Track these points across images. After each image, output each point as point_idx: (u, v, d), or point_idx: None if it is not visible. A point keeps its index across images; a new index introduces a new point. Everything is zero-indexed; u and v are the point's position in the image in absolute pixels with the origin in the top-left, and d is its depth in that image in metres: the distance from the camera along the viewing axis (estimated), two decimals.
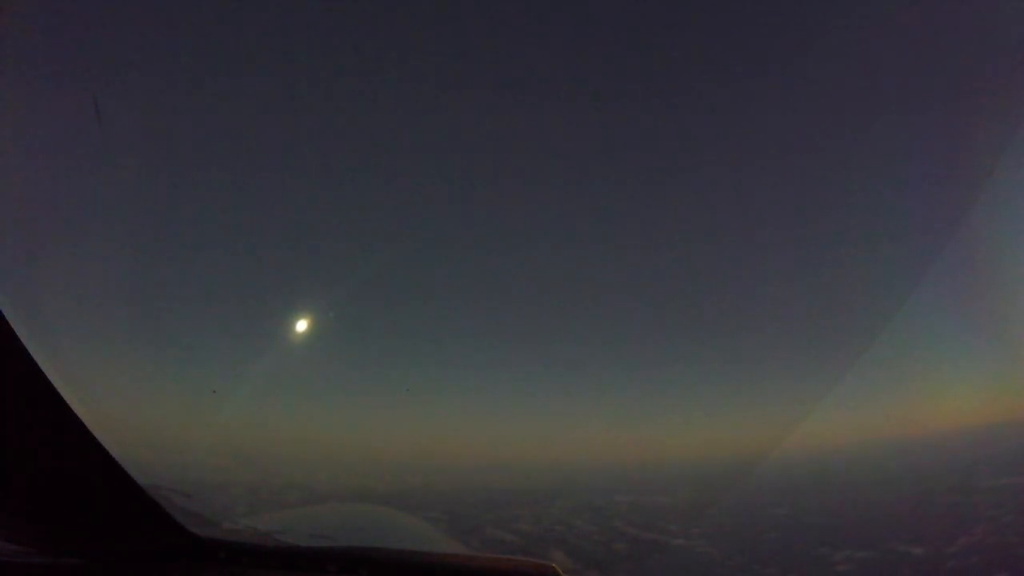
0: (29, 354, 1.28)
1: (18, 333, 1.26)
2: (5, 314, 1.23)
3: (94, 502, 1.63)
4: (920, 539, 14.80)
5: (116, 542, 1.77)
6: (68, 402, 1.37)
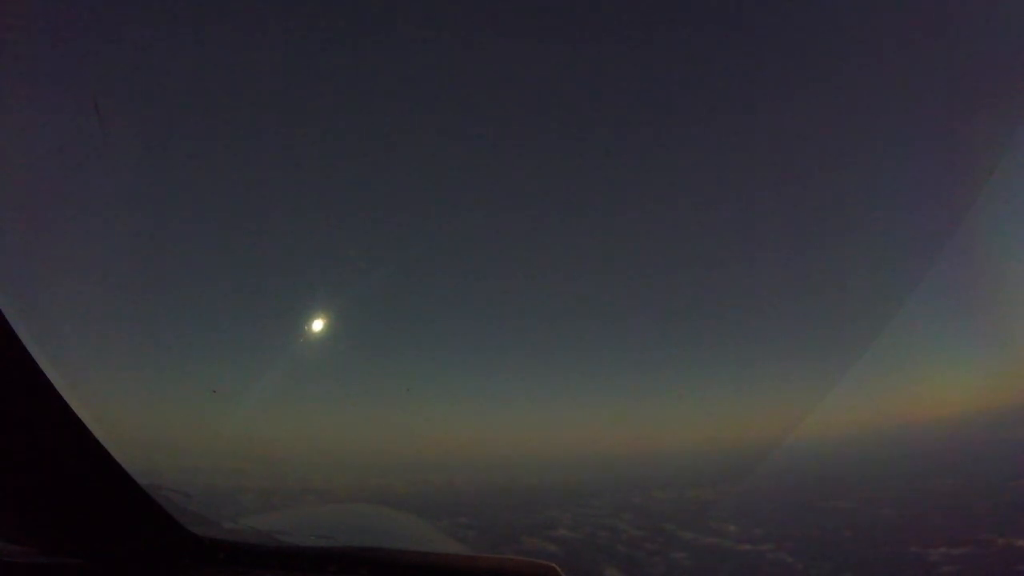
0: (29, 354, 1.28)
1: (18, 333, 1.25)
2: (5, 314, 1.22)
3: (94, 502, 1.63)
4: (1017, 530, 13.06)
5: (116, 542, 1.77)
6: (68, 402, 1.37)
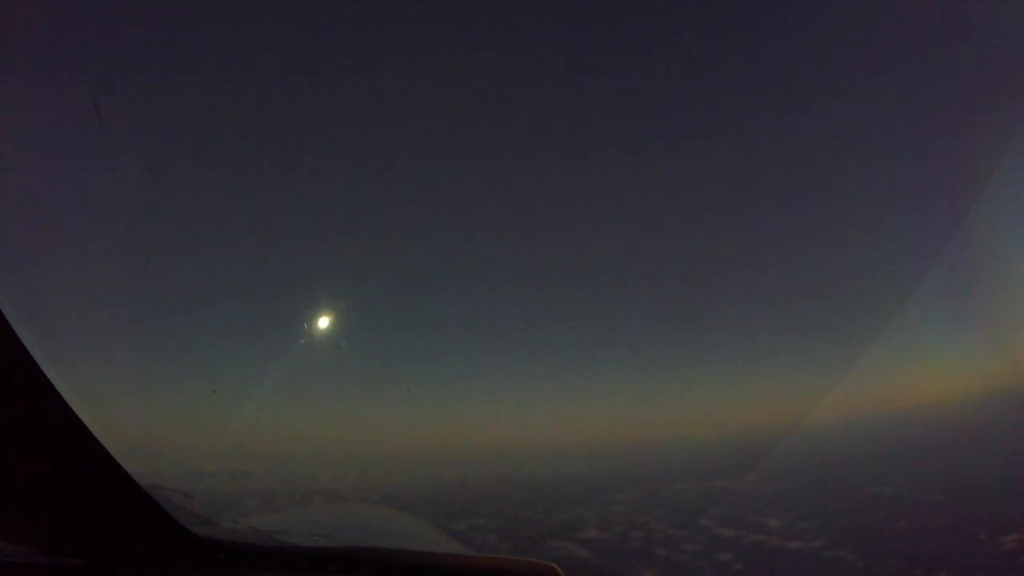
0: (29, 354, 1.29)
1: (18, 333, 1.26)
2: (5, 314, 1.23)
3: (94, 502, 1.63)
4: None
5: (116, 542, 1.77)
6: (68, 402, 1.37)
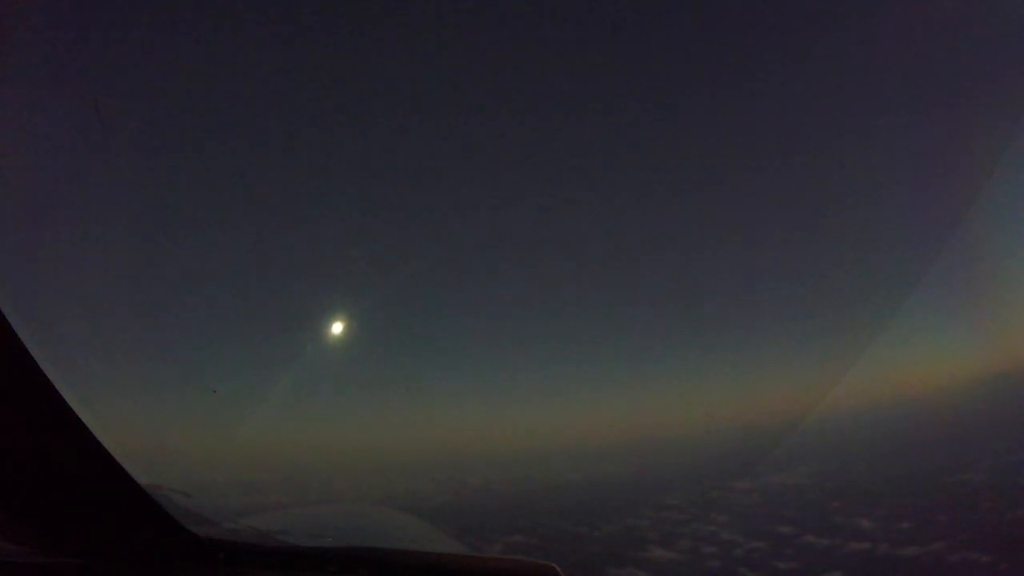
0: (29, 354, 1.29)
1: (18, 333, 1.26)
2: (5, 314, 1.23)
3: (94, 502, 1.63)
4: None
5: (116, 542, 1.77)
6: (68, 402, 1.37)
